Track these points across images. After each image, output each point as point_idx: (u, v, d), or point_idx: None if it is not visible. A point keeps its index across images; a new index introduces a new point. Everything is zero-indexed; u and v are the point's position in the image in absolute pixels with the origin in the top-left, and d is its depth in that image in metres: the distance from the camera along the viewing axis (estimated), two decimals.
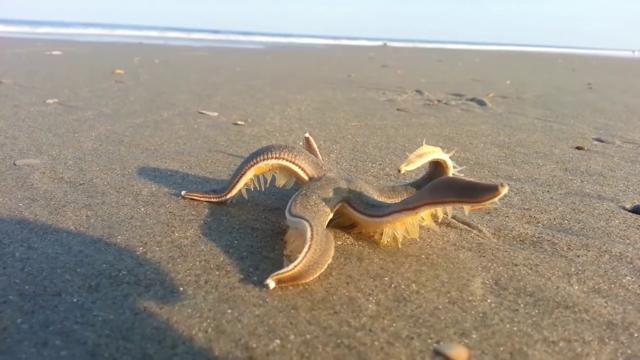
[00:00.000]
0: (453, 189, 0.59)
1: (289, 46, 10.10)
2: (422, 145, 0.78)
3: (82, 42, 7.23)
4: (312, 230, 0.60)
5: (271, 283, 0.55)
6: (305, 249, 0.58)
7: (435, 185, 0.62)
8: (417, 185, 0.83)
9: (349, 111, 1.99)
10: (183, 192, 0.86)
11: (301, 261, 0.57)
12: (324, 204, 0.70)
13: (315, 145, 0.95)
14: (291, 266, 0.57)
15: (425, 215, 0.66)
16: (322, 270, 0.59)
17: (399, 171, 0.74)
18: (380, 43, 16.59)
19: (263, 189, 0.87)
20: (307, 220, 0.62)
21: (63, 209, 0.79)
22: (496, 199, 0.56)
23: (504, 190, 0.55)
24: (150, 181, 0.96)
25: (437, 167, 0.82)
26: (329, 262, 0.60)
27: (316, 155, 0.93)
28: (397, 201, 0.79)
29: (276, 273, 0.56)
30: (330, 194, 0.72)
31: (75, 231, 0.71)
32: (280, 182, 0.80)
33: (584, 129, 1.78)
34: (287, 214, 0.68)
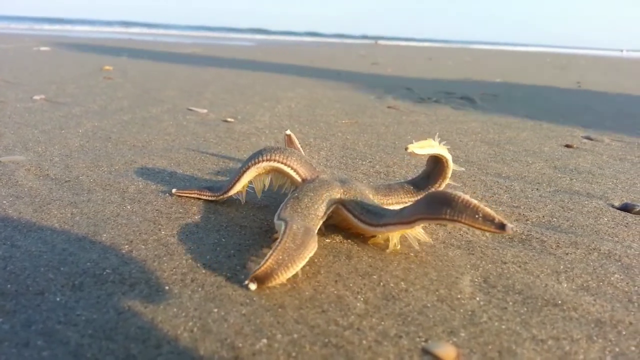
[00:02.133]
0: (451, 206, 0.58)
1: (279, 44, 10.07)
2: (433, 139, 0.76)
3: (70, 38, 7.16)
4: (286, 227, 0.60)
5: (252, 285, 0.54)
6: (276, 244, 0.58)
7: (432, 200, 0.60)
8: (414, 183, 0.81)
9: (339, 109, 1.98)
10: (174, 190, 0.85)
11: (271, 255, 0.56)
12: (316, 207, 0.69)
13: (297, 143, 0.94)
14: (262, 262, 0.56)
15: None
16: (303, 263, 0.57)
17: (406, 149, 0.72)
18: (371, 41, 16.58)
19: (259, 197, 0.85)
20: (285, 220, 0.62)
21: (48, 206, 0.78)
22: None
23: (509, 233, 0.55)
24: (138, 178, 0.94)
25: (436, 165, 0.80)
26: (310, 254, 0.58)
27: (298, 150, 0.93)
28: (393, 200, 0.78)
29: (251, 272, 0.56)
30: (324, 197, 0.70)
31: (59, 229, 0.70)
32: (275, 184, 0.80)
33: (573, 127, 1.78)
34: (275, 218, 0.67)
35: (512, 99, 2.55)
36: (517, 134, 1.61)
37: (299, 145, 0.94)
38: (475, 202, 0.57)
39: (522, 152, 1.35)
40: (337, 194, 0.72)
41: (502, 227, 0.54)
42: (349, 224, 0.71)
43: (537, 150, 1.39)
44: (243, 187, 0.79)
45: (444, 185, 0.79)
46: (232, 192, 0.80)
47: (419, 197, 0.78)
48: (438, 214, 0.58)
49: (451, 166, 0.78)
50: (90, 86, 2.24)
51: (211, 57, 4.70)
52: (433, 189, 0.79)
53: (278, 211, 0.68)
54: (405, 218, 0.64)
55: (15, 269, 0.58)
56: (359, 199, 0.71)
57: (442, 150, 0.76)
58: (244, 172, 0.77)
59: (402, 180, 0.83)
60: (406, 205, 0.78)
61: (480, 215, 0.55)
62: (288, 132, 0.95)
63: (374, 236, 0.70)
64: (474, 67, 5.15)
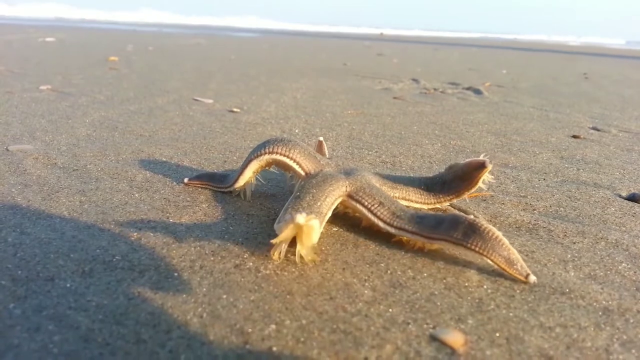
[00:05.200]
0: (484, 239, 0.59)
1: (284, 34, 10.04)
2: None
3: (75, 29, 7.16)
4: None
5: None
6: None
7: (460, 225, 0.61)
8: (427, 183, 0.78)
9: (345, 99, 1.98)
10: (185, 180, 0.86)
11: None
12: (319, 204, 0.65)
13: (326, 149, 0.93)
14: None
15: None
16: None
17: (487, 166, 0.72)
18: (377, 32, 16.51)
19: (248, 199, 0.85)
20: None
21: (56, 194, 0.79)
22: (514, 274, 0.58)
23: (530, 281, 0.57)
24: (145, 167, 0.95)
25: (457, 179, 0.76)
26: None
27: (324, 154, 0.91)
28: (399, 194, 0.75)
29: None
30: (327, 192, 0.67)
31: (68, 217, 0.70)
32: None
33: (580, 118, 1.77)
34: (275, 223, 0.63)
35: (519, 89, 2.53)
36: (523, 125, 1.60)
37: (326, 152, 0.93)
38: (506, 241, 0.59)
39: (528, 142, 1.35)
40: (342, 186, 0.69)
41: (527, 275, 0.57)
42: (358, 212, 0.69)
43: (544, 140, 1.38)
44: (249, 179, 0.79)
45: (455, 200, 0.77)
46: (237, 185, 0.79)
47: (427, 200, 0.76)
48: (466, 243, 0.60)
49: (472, 194, 0.75)
50: (96, 77, 2.24)
51: (215, 48, 4.69)
52: (444, 200, 0.76)
53: (279, 217, 0.64)
54: (425, 232, 0.63)
55: (25, 255, 0.59)
56: (367, 190, 0.69)
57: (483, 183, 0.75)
58: (247, 165, 0.77)
59: (413, 176, 0.80)
60: (411, 202, 0.76)
61: (509, 257, 0.58)
62: (321, 138, 0.94)
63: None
64: (479, 58, 5.12)
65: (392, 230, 0.65)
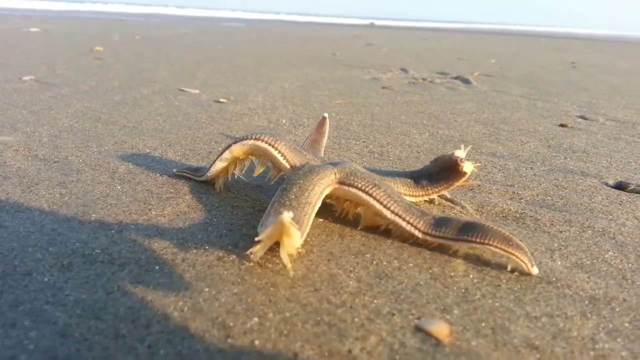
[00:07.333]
0: (484, 230, 0.59)
1: (273, 24, 9.96)
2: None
3: (60, 19, 7.05)
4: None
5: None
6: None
7: (460, 224, 0.61)
8: (413, 176, 0.76)
9: (334, 89, 1.96)
10: (175, 170, 0.85)
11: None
12: (307, 194, 0.62)
13: (327, 128, 0.91)
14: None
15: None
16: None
17: (460, 162, 0.71)
18: (367, 22, 16.44)
19: (238, 176, 0.84)
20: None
21: (36, 186, 0.77)
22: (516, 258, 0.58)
23: (534, 272, 0.57)
24: (128, 159, 0.93)
25: (444, 170, 0.74)
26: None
27: (323, 137, 0.89)
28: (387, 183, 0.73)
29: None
30: (314, 181, 0.64)
31: (48, 209, 0.69)
32: (259, 169, 0.76)
33: (568, 107, 1.78)
34: (259, 227, 0.59)
35: (507, 79, 2.53)
36: (511, 114, 1.60)
37: (327, 130, 0.91)
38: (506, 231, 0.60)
39: (516, 131, 1.35)
40: (331, 174, 0.66)
41: (532, 263, 0.57)
42: (352, 199, 0.66)
43: (532, 129, 1.38)
44: (227, 166, 0.76)
45: (444, 192, 0.75)
46: (213, 170, 0.76)
47: (416, 193, 0.74)
48: (467, 237, 0.60)
49: (460, 183, 0.74)
50: (80, 67, 2.21)
51: (203, 38, 4.64)
52: (432, 192, 0.74)
53: (262, 218, 0.61)
54: (422, 227, 0.62)
55: (2, 249, 0.57)
56: (359, 174, 0.66)
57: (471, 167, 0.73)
58: (227, 148, 0.74)
59: (399, 170, 0.78)
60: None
61: (514, 242, 0.58)
62: (325, 114, 0.92)
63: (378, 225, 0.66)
64: (468, 48, 5.12)
65: (387, 213, 0.63)
